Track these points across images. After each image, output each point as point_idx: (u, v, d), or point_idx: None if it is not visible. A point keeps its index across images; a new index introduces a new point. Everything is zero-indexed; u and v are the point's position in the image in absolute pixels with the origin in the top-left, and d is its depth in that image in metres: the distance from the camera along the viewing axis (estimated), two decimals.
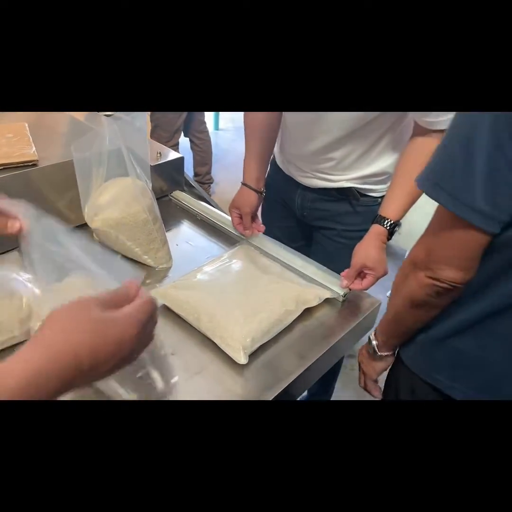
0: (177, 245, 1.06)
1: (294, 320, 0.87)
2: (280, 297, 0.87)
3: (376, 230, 0.92)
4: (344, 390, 1.82)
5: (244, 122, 1.07)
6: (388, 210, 0.92)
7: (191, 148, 2.97)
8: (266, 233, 1.08)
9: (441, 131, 0.87)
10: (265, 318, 0.82)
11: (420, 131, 0.90)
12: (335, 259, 1.01)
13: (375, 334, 0.86)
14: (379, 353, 0.84)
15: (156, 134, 2.65)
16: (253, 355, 0.80)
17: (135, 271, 0.69)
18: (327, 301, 0.93)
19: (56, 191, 1.00)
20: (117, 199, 0.91)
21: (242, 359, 0.76)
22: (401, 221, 0.93)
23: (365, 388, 0.94)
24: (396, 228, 0.92)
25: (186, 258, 1.03)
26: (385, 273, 0.91)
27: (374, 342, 0.85)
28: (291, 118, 1.04)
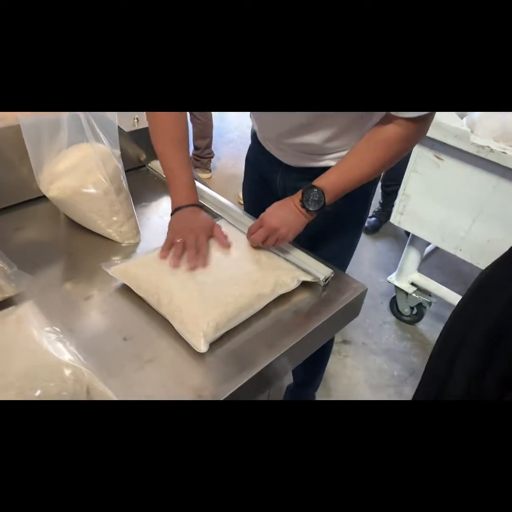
0: (148, 219, 0.98)
1: (268, 305, 0.79)
2: (253, 278, 0.79)
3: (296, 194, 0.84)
4: (337, 378, 1.75)
5: (152, 129, 0.88)
6: (319, 181, 0.82)
7: (191, 119, 2.85)
8: (247, 212, 0.99)
9: (405, 119, 0.75)
10: (232, 302, 0.74)
11: (387, 117, 0.78)
12: (318, 241, 0.92)
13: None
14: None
15: None
16: (217, 343, 0.72)
17: None
18: (308, 286, 0.84)
19: (17, 155, 0.92)
20: (76, 166, 0.83)
21: (202, 347, 0.69)
22: (325, 201, 0.82)
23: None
24: (311, 203, 0.82)
25: (158, 234, 0.94)
26: (273, 227, 0.82)
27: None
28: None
